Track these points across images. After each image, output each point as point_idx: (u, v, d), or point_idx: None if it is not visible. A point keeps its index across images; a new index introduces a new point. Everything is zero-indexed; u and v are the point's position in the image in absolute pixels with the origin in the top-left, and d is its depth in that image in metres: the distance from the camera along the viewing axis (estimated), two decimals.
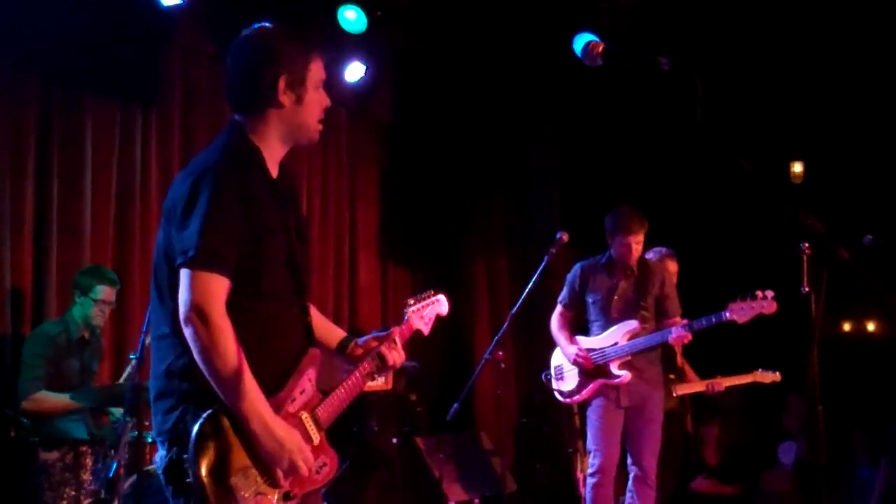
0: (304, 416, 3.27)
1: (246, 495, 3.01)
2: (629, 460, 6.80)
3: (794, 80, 9.12)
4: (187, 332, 2.99)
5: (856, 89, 9.07)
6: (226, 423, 3.02)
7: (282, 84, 3.28)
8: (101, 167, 7.28)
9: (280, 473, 3.08)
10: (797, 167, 10.38)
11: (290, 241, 3.30)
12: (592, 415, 6.84)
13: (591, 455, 6.78)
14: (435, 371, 9.33)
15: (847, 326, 11.26)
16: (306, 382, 3.27)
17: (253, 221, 3.13)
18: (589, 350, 6.81)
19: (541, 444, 9.80)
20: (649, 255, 7.23)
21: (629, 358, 6.68)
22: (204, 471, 2.96)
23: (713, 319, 6.44)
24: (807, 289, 3.59)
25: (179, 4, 7.41)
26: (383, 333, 3.72)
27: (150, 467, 5.98)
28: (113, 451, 5.58)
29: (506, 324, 6.72)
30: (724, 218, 9.70)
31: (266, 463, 3.07)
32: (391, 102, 9.96)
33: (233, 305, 3.05)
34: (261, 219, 3.16)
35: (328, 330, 3.69)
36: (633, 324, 6.72)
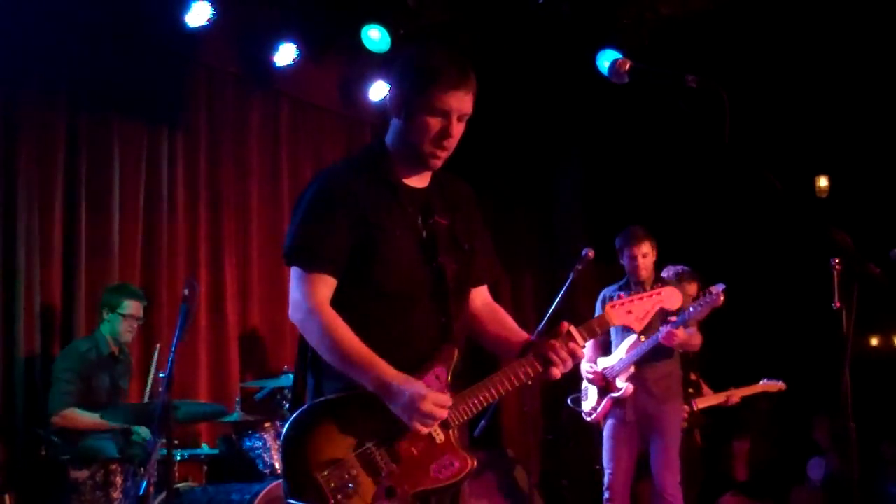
0: None
1: (334, 486, 3.03)
2: (652, 478, 6.81)
3: (817, 94, 9.09)
4: (300, 329, 3.20)
5: (880, 103, 9.03)
6: (322, 416, 3.12)
7: (392, 100, 3.29)
8: (128, 187, 7.34)
9: (416, 426, 3.03)
10: (822, 181, 10.35)
11: (421, 247, 3.27)
12: (605, 433, 6.92)
13: (604, 473, 6.85)
14: (462, 387, 9.31)
15: (875, 341, 11.20)
16: (432, 379, 3.16)
17: (357, 221, 3.18)
18: (603, 368, 6.92)
19: (567, 460, 9.77)
20: (665, 274, 7.24)
21: (633, 370, 6.74)
22: (288, 465, 3.09)
23: (669, 326, 6.52)
24: (838, 304, 3.58)
25: (205, 25, 7.45)
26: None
27: (180, 485, 6.02)
28: (143, 470, 5.60)
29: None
30: (752, 234, 9.66)
31: (395, 438, 3.08)
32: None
33: (343, 303, 3.16)
34: (369, 217, 3.19)
35: (509, 337, 3.53)
36: (633, 337, 6.76)
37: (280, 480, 5.84)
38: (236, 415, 6.55)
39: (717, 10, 8.32)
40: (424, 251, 3.26)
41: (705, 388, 7.73)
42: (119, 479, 5.72)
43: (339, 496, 3.03)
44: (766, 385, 7.71)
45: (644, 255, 6.83)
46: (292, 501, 3.07)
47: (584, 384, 7.13)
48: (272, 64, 8.23)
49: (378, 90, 9.07)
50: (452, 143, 3.23)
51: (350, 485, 3.05)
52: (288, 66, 8.27)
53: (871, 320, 9.69)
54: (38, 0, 6.72)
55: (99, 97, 7.19)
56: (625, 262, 6.91)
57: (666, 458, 6.72)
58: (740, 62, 8.50)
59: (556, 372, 3.28)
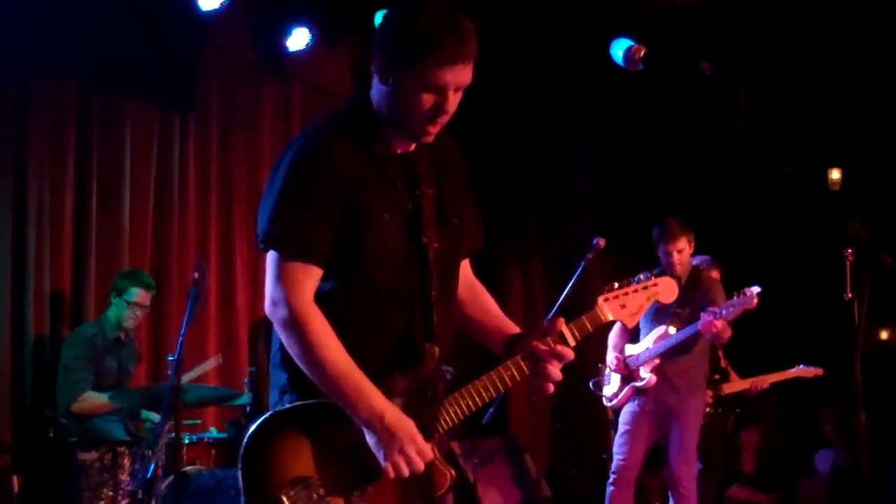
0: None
1: None
2: (668, 471, 6.81)
3: (829, 86, 9.06)
4: (274, 323, 2.80)
5: (892, 95, 9.00)
6: (287, 427, 2.76)
7: (376, 61, 2.87)
8: (139, 171, 7.34)
9: (389, 468, 2.72)
10: (835, 174, 10.33)
11: (407, 229, 2.92)
12: (622, 419, 6.91)
13: (613, 458, 6.84)
14: (471, 376, 9.32)
15: (885, 334, 11.18)
16: (417, 379, 2.88)
17: (342, 203, 2.81)
18: (628, 356, 6.91)
19: (575, 449, 9.78)
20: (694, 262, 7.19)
21: (658, 361, 6.72)
22: (248, 482, 2.73)
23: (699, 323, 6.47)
24: (850, 295, 3.56)
25: (218, 9, 7.43)
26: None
27: (188, 468, 6.03)
28: (151, 452, 5.61)
29: None
30: (765, 224, 9.65)
31: (368, 456, 2.75)
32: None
33: (322, 295, 2.81)
34: (357, 200, 2.83)
35: (497, 328, 3.20)
36: (662, 328, 6.77)
37: None
38: (245, 399, 6.56)
39: (732, 0, 8.29)
40: (409, 230, 2.91)
41: (733, 376, 7.67)
42: (127, 462, 5.74)
43: None
44: (801, 371, 7.55)
45: (680, 251, 6.78)
46: None
47: (608, 369, 7.12)
48: (285, 49, 8.22)
49: None
50: (446, 119, 2.87)
51: None
52: (301, 50, 8.26)
53: (882, 312, 9.68)
54: None
55: (111, 81, 7.19)
56: (660, 255, 6.86)
57: (685, 452, 6.72)
58: (753, 53, 8.48)
59: (546, 376, 2.99)
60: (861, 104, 9.15)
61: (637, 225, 6.98)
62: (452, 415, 2.92)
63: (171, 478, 5.64)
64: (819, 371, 7.53)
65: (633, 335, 7.01)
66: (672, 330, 6.69)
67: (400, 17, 2.81)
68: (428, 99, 2.80)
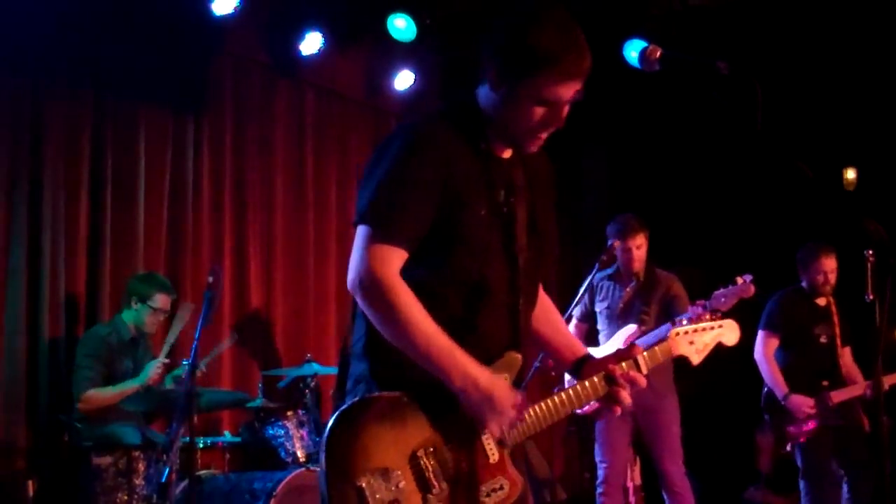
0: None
1: (378, 499, 2.66)
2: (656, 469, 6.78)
3: (846, 86, 9.02)
4: (358, 297, 2.77)
5: None
6: (372, 416, 2.73)
7: (489, 68, 2.90)
8: (153, 175, 7.35)
9: (494, 428, 2.75)
10: (850, 174, 10.27)
11: (501, 228, 2.93)
12: (599, 426, 6.86)
13: (598, 467, 6.80)
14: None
15: None
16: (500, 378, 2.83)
17: (444, 191, 2.81)
18: None
19: (590, 453, 9.74)
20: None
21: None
22: (330, 468, 2.68)
23: (691, 314, 6.37)
24: (871, 296, 3.54)
25: (231, 13, 7.44)
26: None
27: (202, 472, 6.03)
28: (165, 457, 5.61)
29: None
30: (783, 224, 9.60)
31: (449, 450, 2.76)
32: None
33: (416, 285, 2.77)
34: (460, 191, 2.83)
35: (567, 346, 3.23)
36: (631, 328, 6.69)
37: (301, 469, 5.90)
38: (259, 402, 6.56)
39: (745, 1, 8.26)
40: (504, 236, 2.92)
41: (856, 376, 7.20)
42: (142, 466, 5.72)
43: None
44: None
45: (639, 247, 6.78)
46: None
47: (568, 377, 7.02)
48: (298, 53, 8.22)
49: (404, 80, 9.06)
50: (554, 129, 2.90)
51: (397, 499, 2.69)
52: (314, 54, 8.26)
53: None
54: None
55: (125, 85, 7.19)
56: (618, 252, 6.82)
57: (671, 452, 6.67)
58: (767, 53, 8.44)
59: (617, 400, 3.02)
60: (876, 103, 9.10)
61: (653, 226, 6.94)
62: (530, 427, 2.94)
63: (185, 482, 5.66)
64: None
65: (590, 338, 6.95)
66: (643, 328, 6.61)
67: (521, 28, 2.82)
68: (539, 111, 2.82)
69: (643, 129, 10.09)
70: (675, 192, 9.65)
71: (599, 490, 6.77)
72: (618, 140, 10.45)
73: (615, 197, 10.65)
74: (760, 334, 7.20)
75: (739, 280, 6.35)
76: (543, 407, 2.96)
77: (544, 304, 3.24)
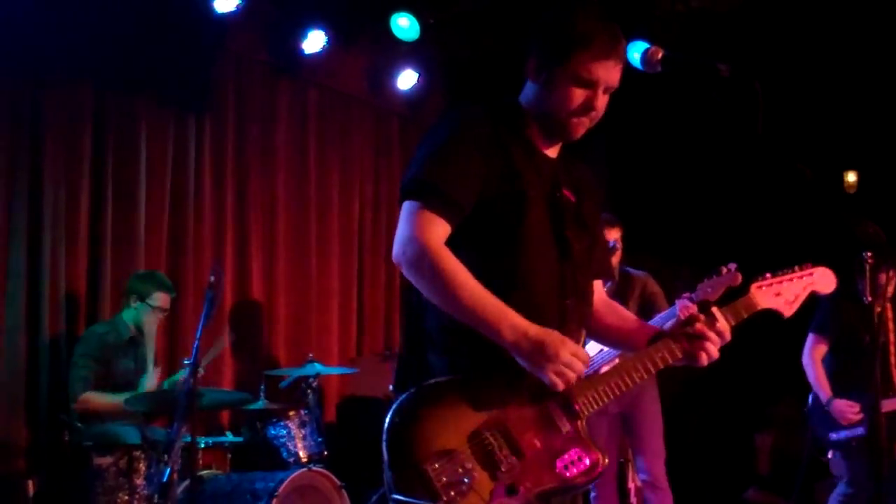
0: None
1: (446, 481, 2.64)
2: (638, 467, 6.69)
3: (846, 88, 9.02)
4: (403, 268, 2.78)
5: None
6: (432, 400, 2.74)
7: (531, 62, 2.99)
8: (154, 174, 7.35)
9: (552, 378, 2.65)
10: (851, 177, 10.27)
11: (549, 217, 2.95)
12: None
13: None
14: None
15: None
16: None
17: (492, 170, 2.86)
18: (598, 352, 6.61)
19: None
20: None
21: (618, 361, 6.56)
22: (392, 455, 2.69)
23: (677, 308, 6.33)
24: (869, 298, 3.54)
25: (233, 12, 7.44)
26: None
27: (204, 472, 6.03)
28: (166, 457, 5.60)
29: None
30: (783, 225, 9.61)
31: (516, 427, 2.72)
32: (444, 109, 9.96)
33: (471, 259, 2.77)
34: (502, 171, 2.88)
35: (638, 329, 3.16)
36: None
37: (303, 469, 5.91)
38: (261, 402, 6.55)
39: (748, 4, 8.26)
40: (554, 223, 2.95)
41: None
42: (142, 466, 5.71)
43: (451, 492, 2.64)
44: None
45: (616, 240, 6.73)
46: (398, 496, 2.67)
47: None
48: (300, 51, 8.22)
49: (407, 79, 9.07)
50: (596, 117, 2.97)
51: (465, 479, 2.65)
52: (316, 53, 8.26)
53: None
54: None
55: (126, 84, 7.19)
56: None
57: (654, 447, 6.59)
58: (769, 55, 8.44)
59: (703, 356, 2.90)
60: (877, 107, 9.10)
61: (653, 226, 6.94)
62: (602, 394, 2.86)
63: (186, 482, 5.65)
64: None
65: None
66: None
67: (555, 18, 2.97)
68: (579, 94, 2.90)
69: (645, 129, 10.08)
70: (676, 193, 9.64)
71: (593, 494, 6.73)
72: (618, 140, 10.44)
73: (615, 196, 10.64)
74: (809, 337, 7.04)
75: (724, 269, 6.28)
76: (615, 374, 2.90)
77: (609, 302, 3.25)
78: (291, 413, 6.45)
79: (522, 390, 2.76)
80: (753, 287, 3.15)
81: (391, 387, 6.51)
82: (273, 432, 6.39)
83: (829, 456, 6.91)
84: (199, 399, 5.49)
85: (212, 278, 5.34)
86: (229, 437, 6.84)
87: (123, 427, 6.12)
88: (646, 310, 6.58)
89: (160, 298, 6.46)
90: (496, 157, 2.87)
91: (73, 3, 6.77)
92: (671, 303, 6.33)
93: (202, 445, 6.17)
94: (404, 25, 8.32)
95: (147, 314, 6.43)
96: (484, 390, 2.75)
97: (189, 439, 5.50)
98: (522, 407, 2.76)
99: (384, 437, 2.71)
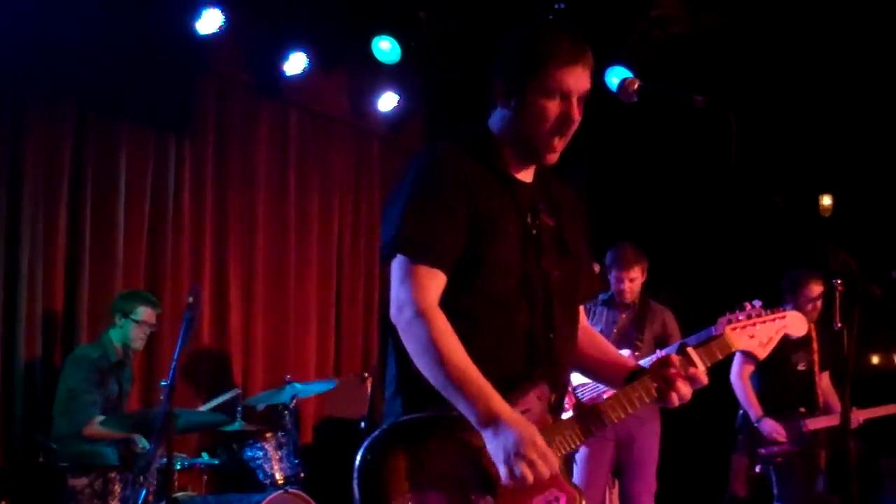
0: None
1: None
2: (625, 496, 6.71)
3: (822, 113, 9.10)
4: (398, 328, 2.74)
5: (884, 122, 9.03)
6: (403, 440, 2.70)
7: (498, 86, 2.94)
8: (134, 194, 7.34)
9: (507, 472, 2.58)
10: (826, 200, 10.34)
11: (530, 249, 2.90)
12: (581, 452, 6.76)
13: None
14: None
15: (876, 359, 11.18)
16: (533, 400, 2.79)
17: (471, 213, 2.80)
18: (581, 385, 6.44)
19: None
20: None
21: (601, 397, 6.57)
22: (365, 495, 2.65)
23: (695, 340, 6.36)
24: (840, 325, 3.58)
25: (215, 33, 7.45)
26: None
27: (180, 494, 6.00)
28: (142, 478, 5.59)
29: None
30: (756, 254, 9.67)
31: (491, 464, 2.63)
32: (424, 132, 9.99)
33: (448, 305, 2.74)
34: (482, 209, 2.82)
35: (615, 363, 3.16)
36: (625, 353, 6.51)
37: (279, 491, 5.89)
38: (238, 424, 6.54)
39: (725, 30, 8.33)
40: (531, 251, 2.90)
41: (833, 404, 7.24)
42: (118, 488, 5.70)
43: None
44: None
45: (632, 280, 6.74)
46: None
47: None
48: (282, 73, 8.23)
49: (387, 101, 9.10)
50: (572, 129, 2.89)
51: None
52: (298, 75, 8.28)
53: (871, 338, 9.73)
54: (48, 4, 6.73)
55: (107, 103, 7.19)
56: (611, 279, 6.80)
57: (647, 482, 6.61)
58: (745, 80, 8.52)
59: (674, 398, 2.89)
60: (853, 130, 9.18)
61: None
62: (578, 435, 2.83)
63: (162, 503, 5.62)
64: None
65: None
66: (637, 354, 6.51)
67: (516, 39, 2.94)
68: (553, 107, 2.85)
69: (624, 156, 10.14)
70: (656, 220, 9.69)
71: None
72: (599, 165, 10.50)
73: (596, 223, 10.67)
74: (737, 357, 7.22)
75: (748, 306, 6.31)
76: (589, 417, 2.87)
77: (588, 331, 3.20)
78: (268, 435, 6.45)
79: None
80: (728, 329, 3.17)
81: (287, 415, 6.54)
82: (249, 454, 6.38)
83: (758, 470, 7.15)
84: (176, 420, 5.48)
85: (190, 299, 5.33)
86: (205, 458, 6.82)
87: (100, 448, 6.09)
88: (661, 344, 6.64)
89: (144, 313, 6.45)
90: (471, 196, 2.82)
91: (54, 21, 6.76)
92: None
93: (178, 467, 6.14)
94: (385, 48, 8.35)
95: (133, 330, 6.41)
96: (458, 429, 2.68)
97: (165, 460, 5.48)
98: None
99: (356, 475, 2.66)
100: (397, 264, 2.77)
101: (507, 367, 2.79)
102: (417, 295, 2.70)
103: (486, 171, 2.90)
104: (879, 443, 8.82)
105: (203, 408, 6.55)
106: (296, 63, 8.19)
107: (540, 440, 2.60)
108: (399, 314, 2.72)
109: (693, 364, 2.94)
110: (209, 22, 7.39)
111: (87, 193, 7.02)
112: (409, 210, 2.78)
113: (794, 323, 3.24)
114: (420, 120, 9.87)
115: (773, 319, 3.22)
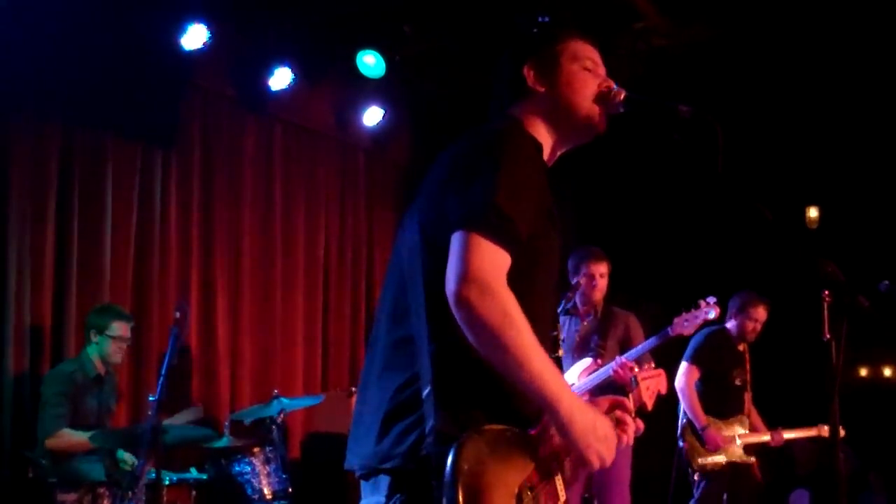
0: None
1: None
2: None
3: (808, 125, 9.15)
4: (462, 312, 2.41)
5: (871, 134, 9.09)
6: (486, 442, 2.44)
7: (528, 71, 2.88)
8: (120, 208, 7.34)
9: (594, 457, 2.52)
10: (813, 212, 10.38)
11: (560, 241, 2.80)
12: None
13: None
14: None
15: (864, 371, 11.23)
16: None
17: (542, 204, 2.64)
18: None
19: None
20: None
21: (587, 397, 6.57)
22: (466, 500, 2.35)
23: (656, 341, 6.42)
24: (827, 336, 3.59)
25: (200, 48, 7.47)
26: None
27: None
28: (131, 493, 5.57)
29: None
30: (743, 265, 9.71)
31: (572, 458, 2.60)
32: (409, 145, 10.02)
33: None
34: (547, 204, 2.68)
35: None
36: (587, 361, 6.47)
37: None
38: (225, 440, 6.53)
39: (710, 42, 8.38)
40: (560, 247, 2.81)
41: (757, 422, 7.66)
42: (106, 503, 5.69)
43: None
44: (824, 429, 7.47)
45: (602, 275, 6.71)
46: None
47: None
48: (267, 88, 8.25)
49: (373, 115, 9.12)
50: (616, 99, 2.88)
51: None
52: (283, 90, 8.30)
53: (860, 350, 9.75)
54: (33, 20, 6.72)
55: (93, 118, 7.19)
56: (582, 278, 6.67)
57: (621, 492, 6.61)
58: (732, 93, 8.55)
59: (623, 439, 2.77)
60: (840, 142, 9.23)
61: (619, 263, 6.99)
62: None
63: None
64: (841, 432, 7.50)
65: None
66: (600, 362, 6.47)
67: (529, 37, 2.99)
68: (589, 77, 2.88)
69: (611, 167, 10.17)
70: (642, 231, 9.73)
71: None
72: (585, 177, 10.53)
73: (582, 235, 10.70)
74: (684, 365, 7.35)
75: (703, 303, 6.40)
76: None
77: None
78: (256, 450, 6.44)
79: (542, 453, 2.60)
80: (641, 381, 3.20)
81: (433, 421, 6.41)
82: (238, 469, 6.37)
83: (695, 478, 7.34)
84: (164, 436, 5.47)
85: (177, 314, 5.33)
86: (194, 473, 6.80)
87: (88, 463, 6.08)
88: (625, 349, 6.62)
89: (119, 328, 6.42)
90: (542, 185, 2.67)
91: (40, 37, 6.76)
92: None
93: (167, 482, 6.13)
94: (370, 63, 8.38)
95: (109, 346, 6.40)
96: (521, 447, 2.53)
97: (154, 475, 5.47)
98: (545, 470, 2.60)
99: (449, 481, 2.35)
100: (470, 240, 2.46)
101: None
102: (497, 280, 2.43)
103: (544, 168, 2.81)
104: (870, 457, 8.87)
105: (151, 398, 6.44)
106: (281, 77, 8.22)
107: (612, 433, 2.59)
108: (467, 289, 2.41)
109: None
110: (194, 37, 7.42)
111: (74, 208, 7.01)
112: (501, 182, 2.51)
113: (664, 382, 3.33)
114: (405, 134, 9.90)
115: (656, 376, 3.29)
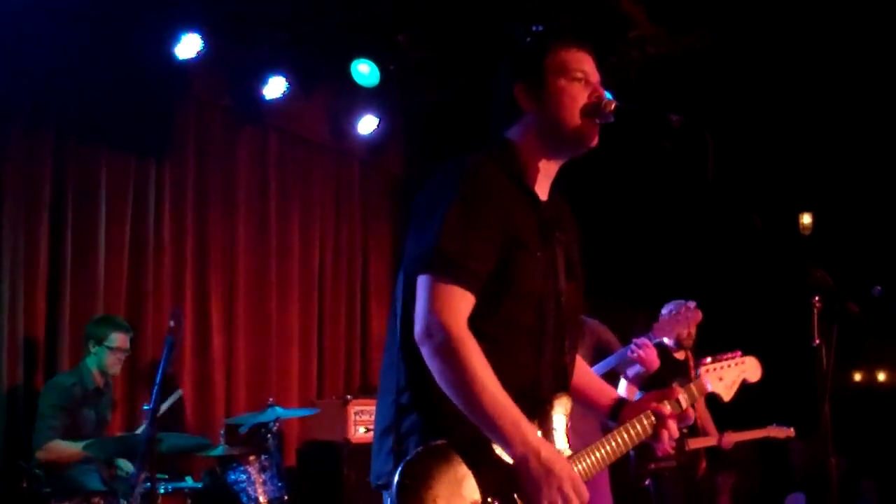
0: None
1: None
2: None
3: (801, 131, 9.17)
4: (424, 350, 2.57)
5: (864, 140, 9.11)
6: (440, 462, 2.54)
7: (519, 92, 2.91)
8: (114, 219, 7.34)
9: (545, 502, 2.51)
10: (806, 218, 10.41)
11: (549, 271, 2.83)
12: None
13: None
14: None
15: (858, 377, 11.25)
16: (553, 427, 2.79)
17: (505, 233, 2.69)
18: None
19: None
20: (665, 310, 7.11)
21: (638, 394, 6.64)
22: None
23: (619, 356, 6.44)
24: (817, 342, 3.60)
25: (194, 58, 7.49)
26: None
27: None
28: (125, 503, 5.57)
29: None
30: (734, 272, 9.73)
31: (525, 496, 2.56)
32: (403, 154, 10.04)
33: (471, 327, 2.59)
34: (513, 232, 2.71)
35: (600, 391, 3.17)
36: None
37: None
38: (221, 448, 6.53)
39: (702, 50, 8.40)
40: (552, 275, 2.84)
41: (709, 427, 7.75)
42: None
43: None
44: (774, 431, 7.75)
45: None
46: None
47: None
48: (261, 97, 8.27)
49: (367, 124, 9.14)
50: (607, 108, 2.88)
51: None
52: (277, 99, 8.32)
53: (854, 356, 9.78)
54: (27, 30, 6.73)
55: (87, 128, 7.20)
56: None
57: (602, 496, 6.61)
58: (726, 100, 8.58)
59: (665, 435, 2.97)
60: (833, 148, 9.25)
61: (608, 272, 7.00)
62: (581, 471, 2.79)
63: None
64: (790, 432, 7.77)
65: None
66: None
67: (519, 53, 3.00)
68: (579, 89, 2.88)
69: (601, 175, 10.18)
70: (631, 238, 9.74)
71: None
72: (574, 185, 10.53)
73: None
74: (623, 382, 7.34)
75: (683, 308, 6.41)
76: (595, 451, 2.88)
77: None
78: (251, 458, 6.43)
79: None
80: (702, 370, 3.27)
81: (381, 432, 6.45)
82: (233, 477, 6.36)
83: (647, 483, 7.43)
84: (159, 445, 5.47)
85: (171, 323, 5.33)
86: (189, 482, 6.80)
87: (83, 473, 6.08)
88: (598, 359, 6.60)
89: (118, 339, 6.43)
90: (507, 217, 2.72)
91: (33, 47, 6.77)
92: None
93: (162, 491, 6.12)
94: (364, 72, 8.39)
95: (107, 357, 6.40)
96: (486, 459, 2.60)
97: (149, 485, 5.46)
98: (515, 482, 2.59)
99: (394, 498, 2.49)
100: (427, 282, 2.60)
101: (529, 392, 2.72)
102: (450, 319, 2.55)
103: (517, 188, 2.84)
104: (862, 462, 8.88)
105: (145, 407, 6.43)
106: (275, 87, 8.23)
107: (575, 475, 2.59)
108: (428, 338, 2.57)
109: (680, 406, 3.04)
110: (188, 47, 7.44)
111: (68, 218, 7.01)
112: (449, 227, 2.62)
113: (751, 368, 3.37)
114: (400, 142, 9.92)
115: (736, 364, 3.33)
